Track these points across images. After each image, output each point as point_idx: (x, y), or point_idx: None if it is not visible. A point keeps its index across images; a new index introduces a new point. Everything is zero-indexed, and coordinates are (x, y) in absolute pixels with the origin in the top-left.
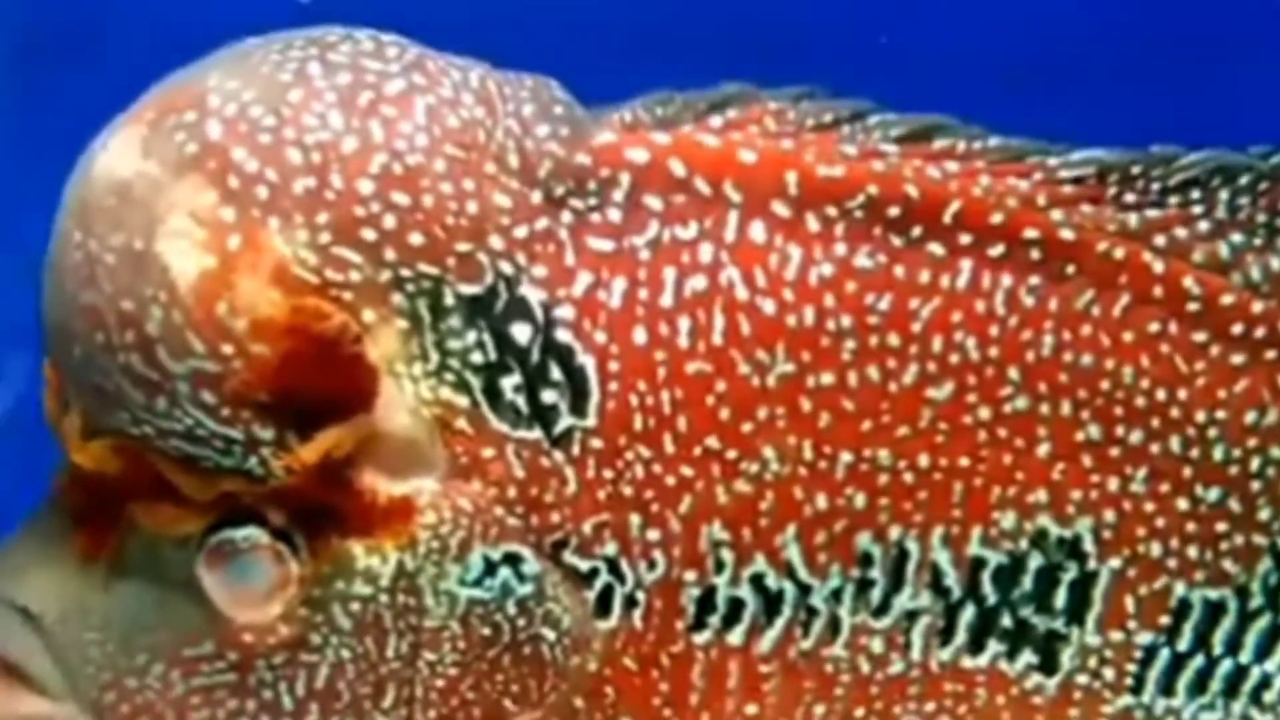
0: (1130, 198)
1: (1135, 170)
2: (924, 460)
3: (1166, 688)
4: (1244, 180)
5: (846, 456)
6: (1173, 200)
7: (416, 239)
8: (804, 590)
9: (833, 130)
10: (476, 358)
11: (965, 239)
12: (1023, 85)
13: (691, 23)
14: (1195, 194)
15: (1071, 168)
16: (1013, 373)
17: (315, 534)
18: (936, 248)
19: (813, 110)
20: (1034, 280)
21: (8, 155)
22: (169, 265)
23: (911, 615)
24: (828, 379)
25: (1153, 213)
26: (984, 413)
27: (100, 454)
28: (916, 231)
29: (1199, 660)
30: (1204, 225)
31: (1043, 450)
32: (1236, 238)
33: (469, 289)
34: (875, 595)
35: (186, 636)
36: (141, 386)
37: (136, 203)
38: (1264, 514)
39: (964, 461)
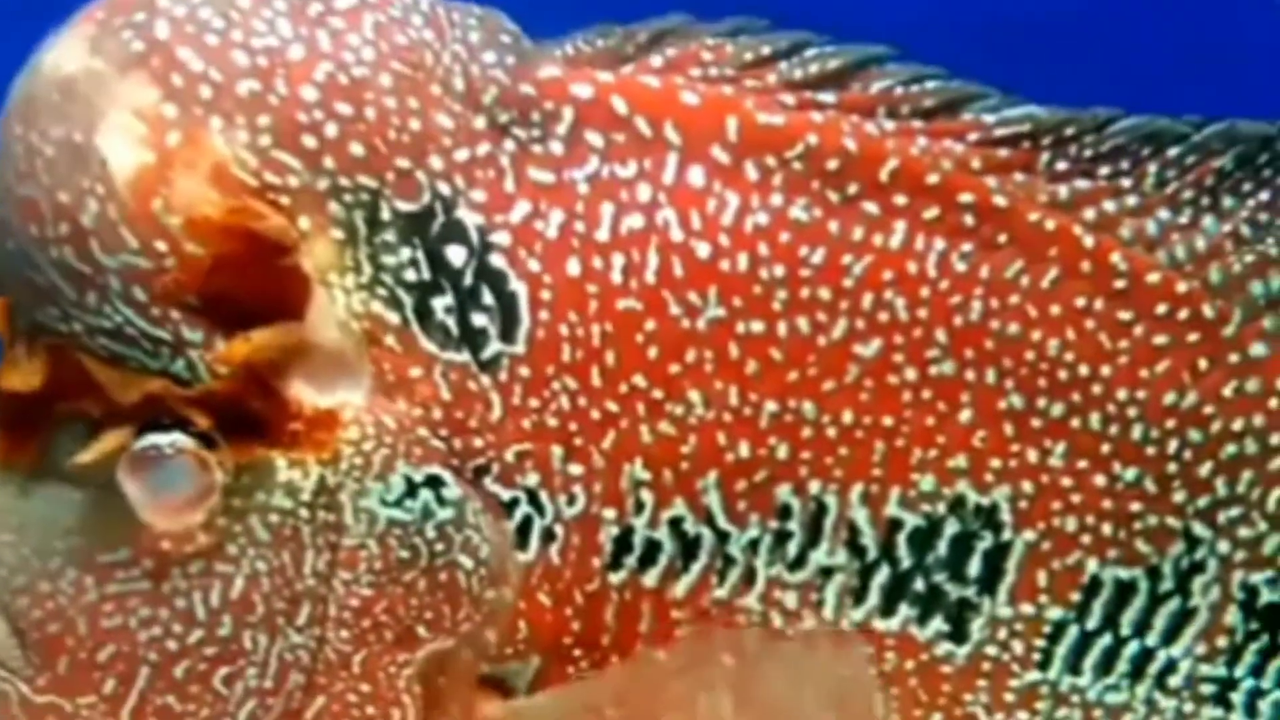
0: (1062, 165)
1: (1069, 132)
2: (848, 416)
3: (1073, 665)
4: (1173, 152)
5: (771, 406)
6: (1103, 170)
7: (357, 150)
8: (721, 538)
9: (770, 64)
10: (410, 275)
11: (900, 199)
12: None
13: None
14: (1125, 164)
15: (1007, 125)
16: (940, 336)
17: (239, 443)
18: (872, 206)
19: (750, 45)
20: (966, 246)
21: None
22: (108, 159)
23: (826, 572)
24: (757, 327)
25: (1083, 184)
26: (909, 373)
27: (28, 374)
28: (853, 188)
29: (1106, 639)
30: (1132, 200)
31: (965, 416)
32: (1163, 214)
33: (406, 206)
34: (792, 549)
35: (103, 542)
36: (73, 280)
37: (80, 98)
38: (1179, 496)
39: (887, 421)
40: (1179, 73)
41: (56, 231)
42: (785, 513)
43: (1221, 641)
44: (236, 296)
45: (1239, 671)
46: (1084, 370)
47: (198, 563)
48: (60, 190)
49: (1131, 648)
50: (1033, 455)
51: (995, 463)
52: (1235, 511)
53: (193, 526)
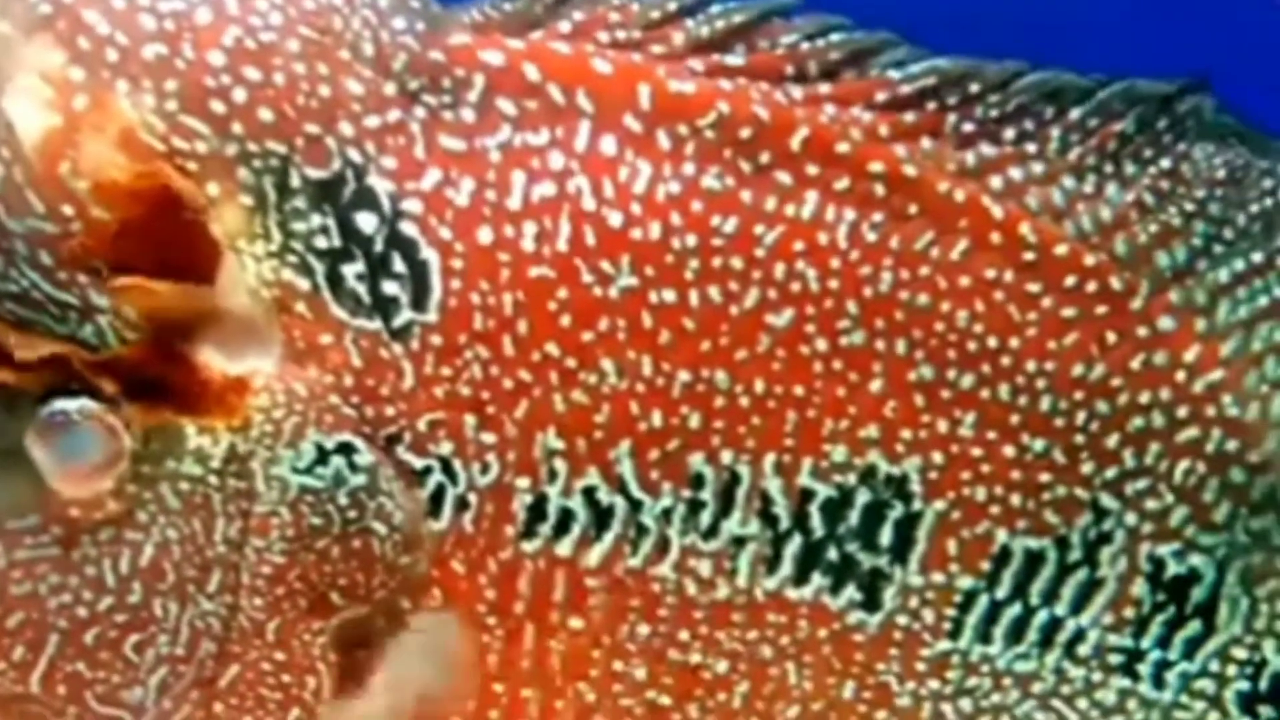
0: (969, 127)
1: (974, 89)
2: (760, 386)
3: (984, 634)
4: (1075, 115)
5: (684, 375)
6: (1008, 134)
7: (265, 115)
8: (635, 506)
9: (676, 22)
10: (320, 242)
11: (812, 169)
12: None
13: None
14: (1029, 125)
15: (913, 81)
16: (851, 307)
17: (148, 410)
18: (784, 176)
19: (656, 3)
20: (876, 217)
21: None
22: (13, 122)
23: (739, 541)
24: (669, 296)
25: (989, 150)
26: (821, 344)
27: None
28: (765, 158)
29: (1016, 609)
30: (1038, 167)
31: (876, 386)
32: (1068, 182)
33: (316, 172)
34: (705, 518)
35: (11, 508)
36: None
37: None
38: (1087, 468)
39: (799, 391)
40: (1178, 69)
41: None
42: (698, 482)
43: (1129, 612)
44: (145, 260)
45: (1145, 643)
46: (993, 342)
47: (107, 530)
48: None
49: (1040, 617)
50: (943, 426)
51: (906, 433)
52: (1143, 483)
53: (102, 493)
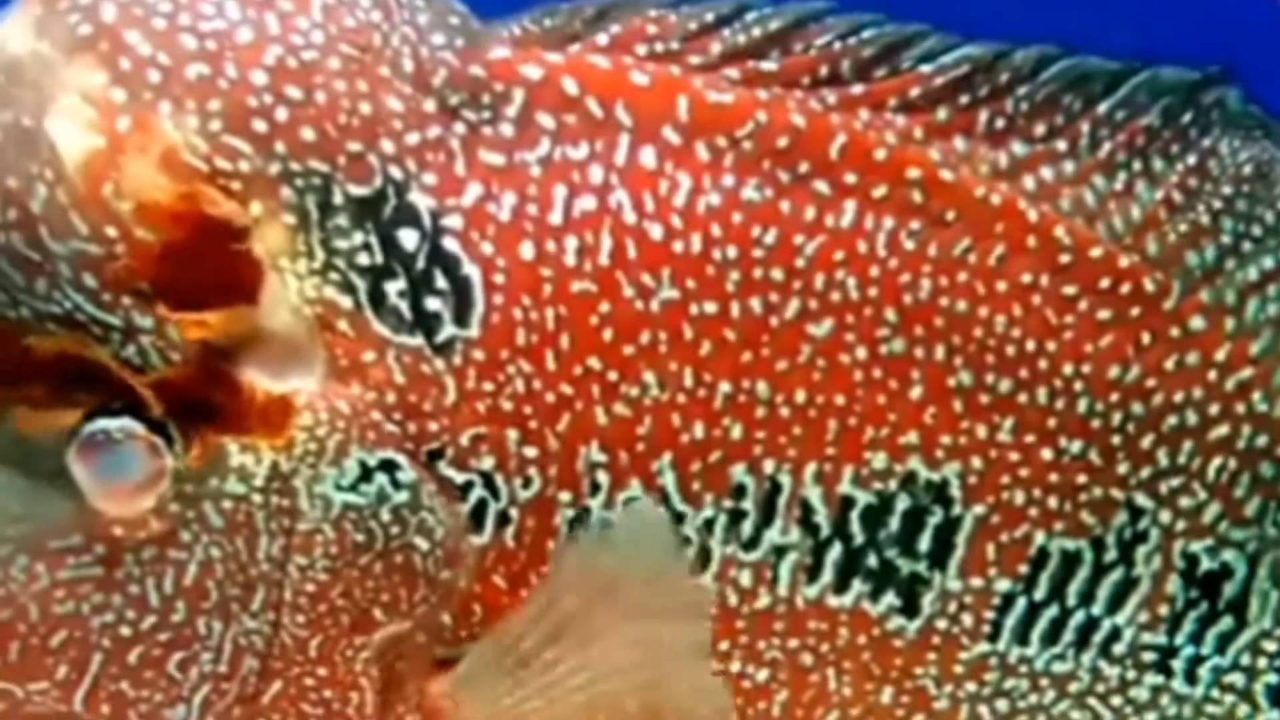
0: (1000, 124)
1: (1004, 79)
2: (801, 395)
3: (1021, 636)
4: (1103, 109)
5: (725, 386)
6: (1039, 130)
7: (308, 134)
8: (677, 518)
9: (714, 32)
10: (363, 260)
11: (850, 177)
12: None
13: None
14: (1059, 120)
15: (945, 73)
16: (890, 314)
17: (191, 429)
18: (822, 185)
19: (693, 14)
20: (914, 224)
21: None
22: (56, 143)
23: (780, 550)
24: (710, 308)
25: (1021, 149)
26: (861, 352)
27: None
28: (804, 167)
29: (1053, 610)
30: (1069, 166)
31: (915, 393)
32: (1099, 182)
33: (358, 190)
34: (746, 528)
35: (54, 528)
36: (21, 267)
37: (28, 82)
38: (1122, 468)
39: (839, 399)
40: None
41: (5, 217)
42: (740, 492)
43: (1163, 610)
44: (188, 283)
45: (1179, 639)
46: (1030, 346)
47: (150, 549)
48: (8, 176)
49: (1077, 618)
50: (981, 431)
51: (945, 439)
52: (1176, 481)
53: (145, 512)
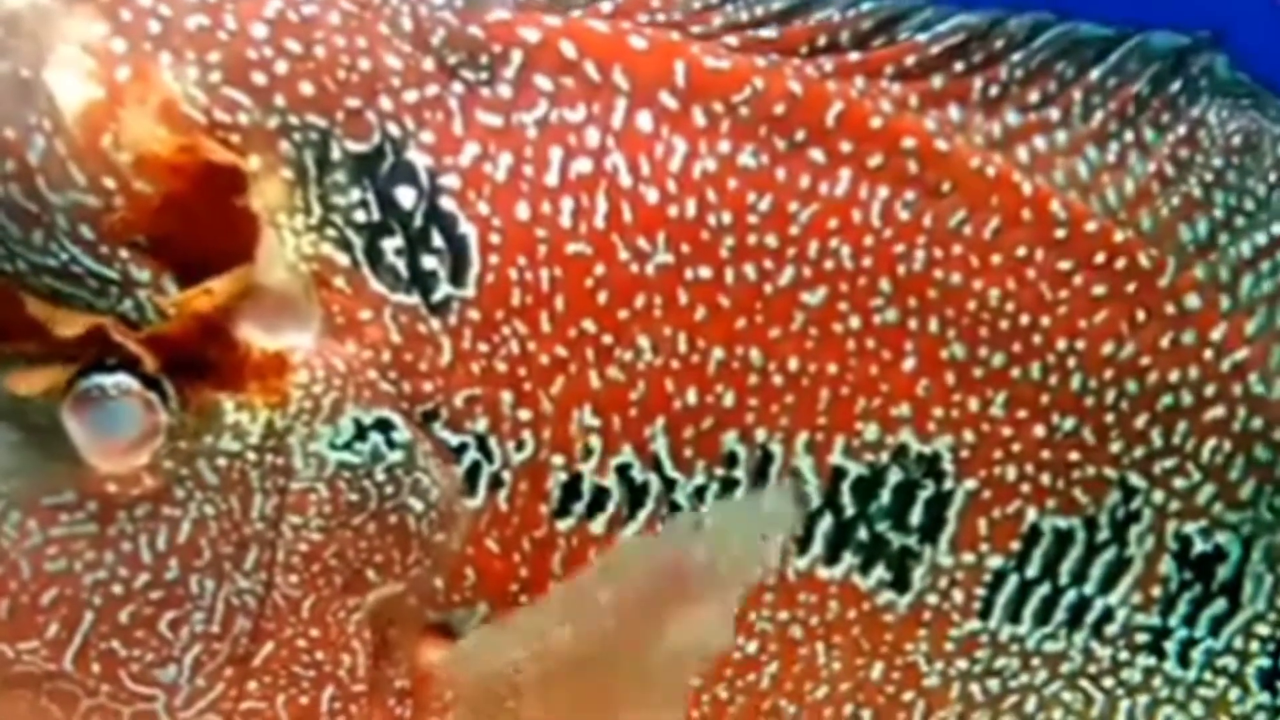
0: (994, 91)
1: (999, 45)
2: (794, 364)
3: (1013, 614)
4: (1094, 75)
5: (718, 353)
6: (1032, 97)
7: (307, 88)
8: (668, 485)
9: (718, 9)
10: (360, 216)
11: (846, 146)
12: None
13: None
14: (1052, 87)
15: (941, 40)
16: (884, 285)
17: (186, 385)
18: (818, 153)
19: None
20: (909, 194)
21: None
22: (55, 94)
23: None
24: (705, 273)
25: (1014, 119)
26: (854, 321)
27: None
28: (799, 135)
29: (1045, 589)
30: (1062, 136)
31: (908, 365)
32: (1092, 153)
33: (356, 146)
34: (737, 496)
35: (46, 484)
36: (18, 218)
37: (25, 33)
38: (1115, 447)
39: (832, 369)
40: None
41: (2, 168)
42: (731, 460)
43: (1156, 591)
44: (186, 234)
45: (1172, 621)
46: (1025, 320)
47: (144, 506)
48: (5, 126)
49: (1069, 597)
50: (974, 405)
51: (938, 411)
52: (1170, 462)
53: (139, 469)
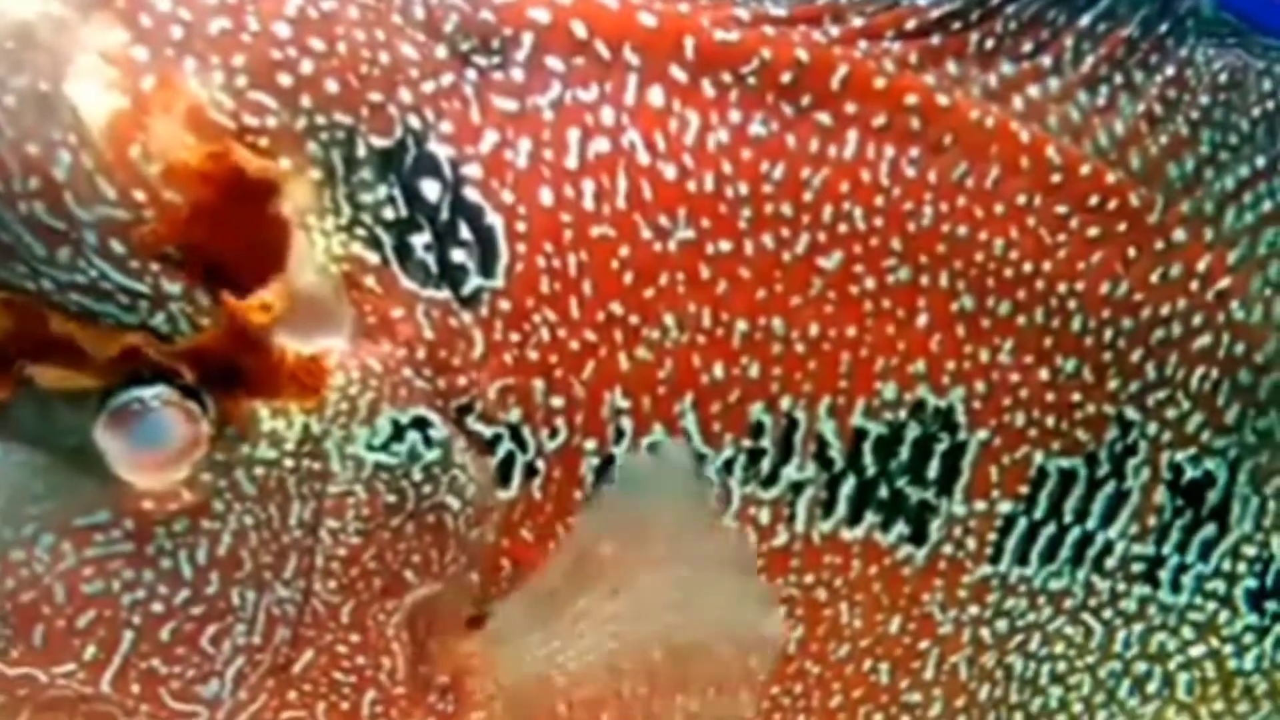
0: (990, 44)
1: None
2: (814, 329)
3: (1021, 556)
4: (1084, 21)
5: (742, 325)
6: (1025, 47)
7: (332, 86)
8: (699, 460)
9: None
10: (388, 213)
11: (851, 108)
12: None
13: None
14: (1045, 35)
15: (940, 4)
16: (895, 244)
17: (221, 394)
18: (824, 116)
19: None
20: (914, 151)
21: None
22: (78, 106)
23: (797, 487)
24: (725, 246)
25: (1009, 69)
26: (869, 283)
27: None
28: (806, 100)
29: (1051, 528)
30: (1054, 83)
31: (922, 321)
32: (1083, 97)
33: (381, 141)
34: (765, 466)
35: (79, 505)
36: (44, 237)
37: (40, 44)
38: (1113, 384)
39: (850, 331)
40: None
41: (25, 187)
42: (758, 431)
43: (1151, 520)
44: (217, 244)
45: (1166, 549)
46: (1027, 267)
47: (182, 521)
48: (28, 143)
49: (1073, 534)
50: (984, 355)
51: (951, 365)
52: (1163, 393)
53: (176, 484)
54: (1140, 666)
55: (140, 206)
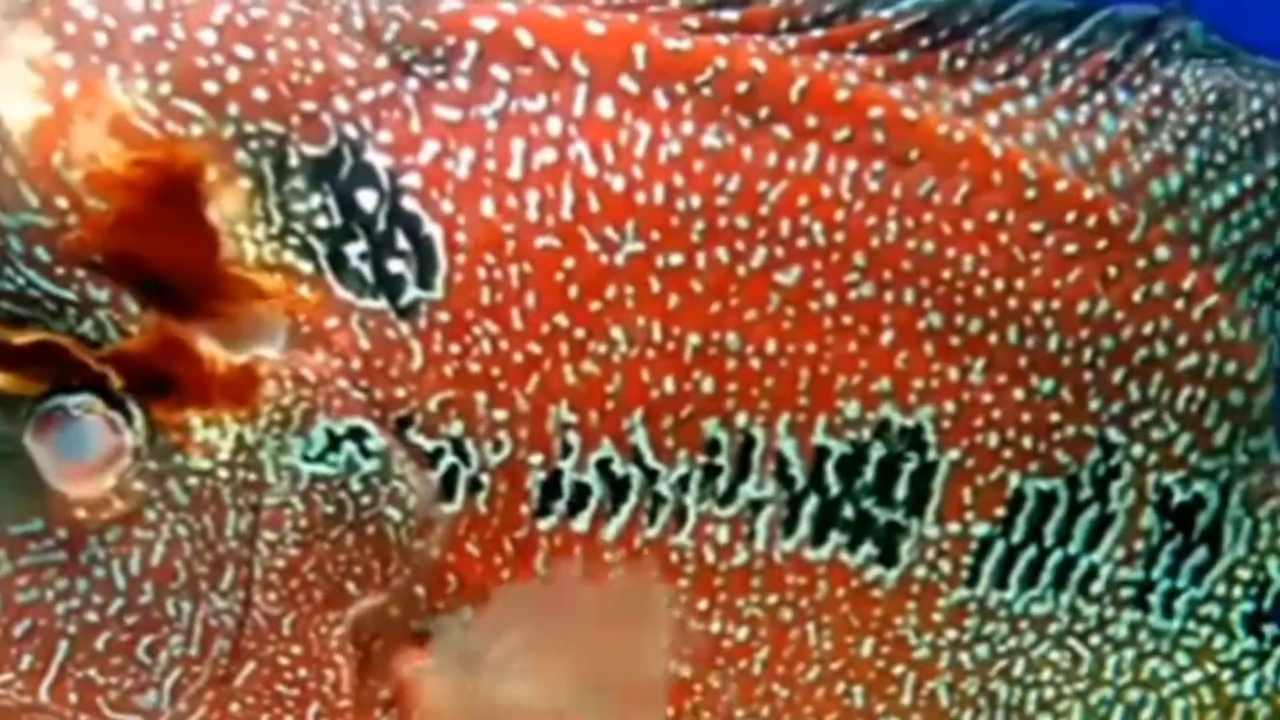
0: (961, 63)
1: (964, 20)
2: (771, 346)
3: (1000, 580)
4: (1063, 45)
5: (694, 339)
6: (1000, 69)
7: (260, 94)
8: (650, 477)
9: None
10: (321, 222)
11: (811, 120)
12: None
13: None
14: (1019, 58)
15: (904, 18)
16: (858, 259)
17: (151, 404)
18: (783, 129)
19: None
20: (878, 165)
21: None
22: (2, 113)
23: (756, 505)
24: (676, 259)
25: (982, 86)
26: (830, 299)
27: None
28: (764, 112)
29: (1031, 551)
30: (1031, 101)
31: (886, 338)
32: (1062, 115)
33: (314, 150)
34: (721, 483)
35: (13, 513)
36: None
37: None
38: (1094, 404)
39: (810, 348)
40: None
41: None
42: (714, 447)
43: (1139, 545)
44: (143, 251)
45: (1155, 573)
46: (999, 284)
47: (114, 530)
48: None
49: (1055, 557)
50: (953, 373)
51: (918, 383)
52: (1148, 415)
53: (108, 492)
54: (1133, 694)
55: (64, 213)
